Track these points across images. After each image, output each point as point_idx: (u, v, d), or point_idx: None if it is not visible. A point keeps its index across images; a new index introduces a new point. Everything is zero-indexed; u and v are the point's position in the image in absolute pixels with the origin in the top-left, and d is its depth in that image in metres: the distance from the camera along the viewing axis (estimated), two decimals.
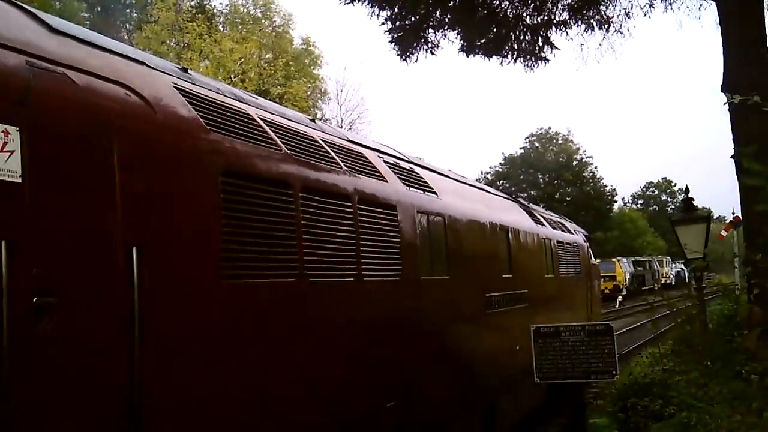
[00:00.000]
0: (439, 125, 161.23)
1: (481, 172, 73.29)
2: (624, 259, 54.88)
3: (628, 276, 53.82)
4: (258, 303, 4.68)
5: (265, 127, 5.44)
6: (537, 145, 75.58)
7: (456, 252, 8.45)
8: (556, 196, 68.69)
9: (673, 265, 70.51)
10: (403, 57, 13.90)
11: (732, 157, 7.39)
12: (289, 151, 5.45)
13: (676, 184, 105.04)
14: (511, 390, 8.32)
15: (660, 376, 10.03)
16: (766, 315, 4.05)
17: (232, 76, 44.09)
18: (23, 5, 3.98)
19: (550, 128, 77.04)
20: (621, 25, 13.47)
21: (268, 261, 4.83)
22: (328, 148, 6.31)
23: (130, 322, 3.55)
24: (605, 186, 74.63)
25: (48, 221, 3.23)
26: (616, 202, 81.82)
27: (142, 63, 4.57)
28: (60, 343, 3.17)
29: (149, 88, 4.27)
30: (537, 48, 13.79)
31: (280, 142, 5.43)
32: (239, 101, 5.57)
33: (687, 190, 12.93)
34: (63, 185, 3.34)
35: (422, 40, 13.68)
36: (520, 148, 75.34)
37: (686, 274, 57.17)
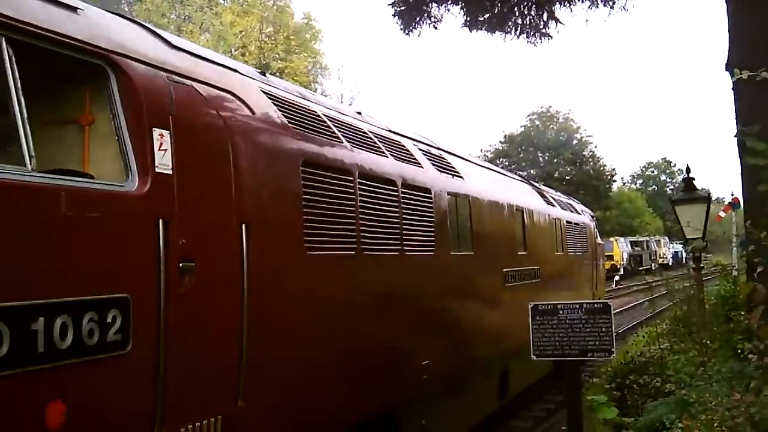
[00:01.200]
0: (441, 102, 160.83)
1: (481, 150, 73.20)
2: (622, 239, 55.03)
3: (625, 256, 53.99)
4: (328, 271, 5.77)
5: (328, 122, 6.41)
6: (537, 123, 75.44)
7: (479, 230, 9.41)
8: (556, 175, 68.62)
9: (671, 246, 70.67)
10: (406, 31, 13.78)
11: (735, 136, 7.33)
12: (347, 143, 6.45)
13: (675, 164, 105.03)
14: (522, 357, 8.74)
15: (657, 355, 10.06)
16: None
17: (232, 50, 43.84)
18: (151, 27, 5.00)
19: (550, 107, 76.94)
20: (626, 2, 13.33)
21: (335, 237, 5.87)
22: (375, 139, 7.33)
23: (241, 280, 4.58)
24: (605, 165, 74.60)
25: (188, 204, 4.16)
26: (615, 181, 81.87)
27: (236, 71, 5.57)
28: (196, 298, 4.18)
29: (247, 93, 5.29)
30: (541, 23, 13.66)
31: (340, 135, 6.42)
32: (305, 99, 6.53)
33: (688, 170, 12.86)
34: (197, 175, 4.30)
35: (425, 14, 13.56)
36: (521, 127, 75.22)
37: (683, 255, 57.37)
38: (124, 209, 3.81)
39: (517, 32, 13.76)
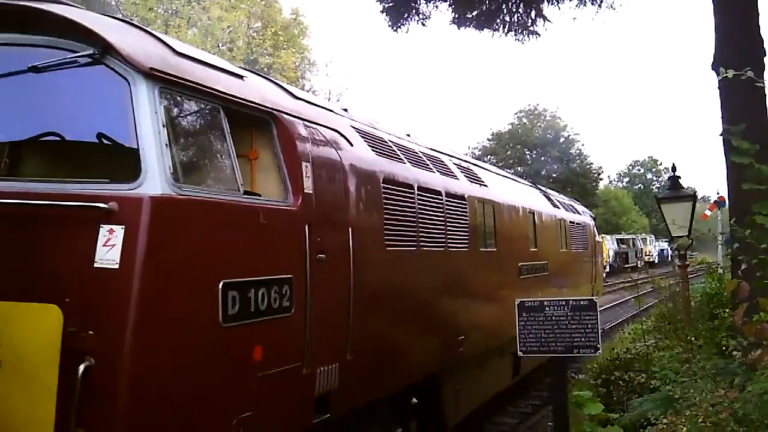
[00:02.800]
0: (429, 99, 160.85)
1: (469, 147, 73.24)
2: (608, 237, 55.21)
3: (611, 253, 54.20)
4: (398, 262, 7.30)
5: (393, 146, 8.06)
6: (525, 121, 75.55)
7: (501, 230, 10.95)
8: (543, 173, 68.76)
9: (657, 244, 71.03)
10: (394, 27, 13.81)
11: (721, 134, 7.40)
12: (408, 163, 8.10)
13: (661, 163, 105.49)
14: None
15: (643, 352, 10.12)
16: (753, 290, 4.06)
17: (220, 45, 43.71)
18: (283, 84, 6.70)
19: (538, 105, 77.06)
20: (613, 1, 13.41)
21: (403, 237, 7.40)
22: (425, 158, 8.92)
23: (349, 268, 6.07)
24: (591, 163, 74.82)
25: (321, 214, 5.66)
26: (602, 179, 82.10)
27: (331, 111, 7.20)
28: (324, 280, 5.61)
29: (345, 129, 6.90)
30: (529, 21, 13.71)
31: (403, 157, 8.06)
32: (375, 128, 8.11)
33: (674, 168, 12.94)
34: (324, 194, 5.80)
35: (413, 11, 13.59)
36: (509, 124, 75.33)
37: (669, 253, 57.65)
38: (288, 218, 5.35)
39: (505, 30, 13.82)
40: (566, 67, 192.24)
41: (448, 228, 8.75)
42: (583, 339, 8.06)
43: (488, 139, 74.26)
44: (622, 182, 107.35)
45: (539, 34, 14.03)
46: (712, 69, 8.82)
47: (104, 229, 3.98)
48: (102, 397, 3.82)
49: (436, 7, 13.69)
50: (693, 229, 12.24)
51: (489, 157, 69.11)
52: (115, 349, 3.89)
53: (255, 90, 5.68)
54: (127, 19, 5.49)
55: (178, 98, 4.72)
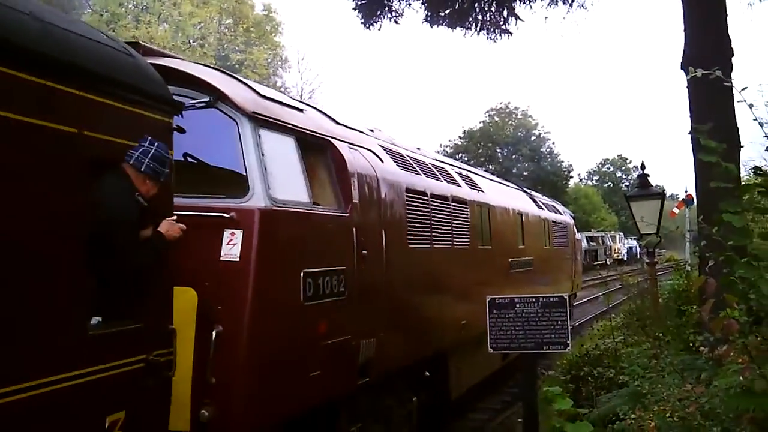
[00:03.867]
0: (401, 96, 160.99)
1: (440, 145, 73.45)
2: (578, 234, 55.55)
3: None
4: (417, 257, 8.76)
5: (410, 160, 9.60)
6: (496, 119, 75.90)
7: (494, 230, 12.46)
8: (514, 171, 69.14)
9: (626, 241, 71.66)
10: (367, 24, 13.79)
11: (689, 133, 7.48)
12: (422, 174, 9.68)
13: (630, 161, 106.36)
14: None
15: (612, 348, 10.21)
16: (720, 287, 4.11)
17: (191, 41, 43.37)
18: (329, 113, 8.18)
19: (509, 103, 77.46)
20: (584, 0, 13.50)
21: (421, 236, 8.94)
22: (434, 169, 10.48)
23: (383, 261, 7.57)
24: (562, 162, 75.41)
25: (363, 219, 7.15)
26: (572, 177, 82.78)
27: (363, 133, 8.76)
28: (366, 272, 7.08)
29: (375, 148, 8.46)
30: (501, 20, 13.76)
31: (418, 168, 9.64)
32: (395, 145, 9.70)
33: (643, 167, 13.08)
34: (365, 202, 7.29)
35: (386, 8, 13.58)
36: (480, 122, 75.62)
37: (638, 250, 58.26)
38: (342, 223, 6.80)
39: (478, 28, 13.85)
40: (537, 66, 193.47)
41: (454, 228, 10.33)
42: (553, 336, 8.13)
43: (460, 137, 74.56)
44: (592, 180, 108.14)
45: (511, 33, 14.10)
46: (681, 68, 8.92)
47: (227, 232, 5.46)
48: (227, 353, 5.24)
49: (409, 4, 13.70)
50: (661, 227, 12.39)
51: (460, 154, 69.32)
52: (237, 319, 5.35)
53: (313, 121, 7.32)
54: (225, 70, 6.93)
55: (268, 133, 6.08)
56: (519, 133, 74.03)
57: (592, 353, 10.30)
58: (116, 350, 4.19)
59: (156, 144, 4.42)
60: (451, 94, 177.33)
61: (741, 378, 4.21)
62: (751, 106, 4.37)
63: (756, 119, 4.30)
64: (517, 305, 8.27)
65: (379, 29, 13.89)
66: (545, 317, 8.16)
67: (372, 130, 9.41)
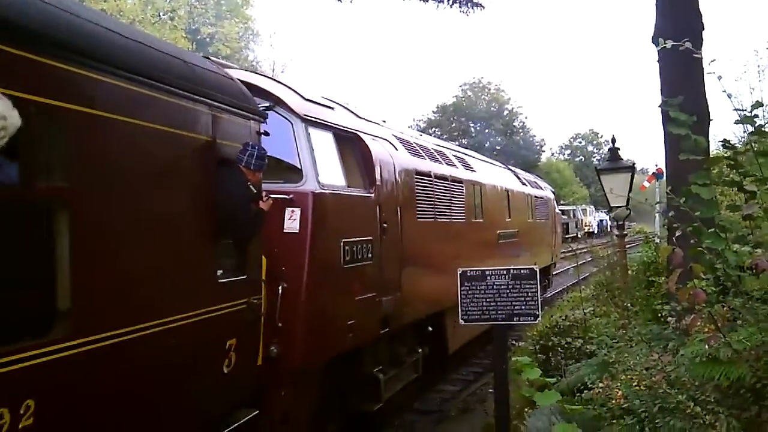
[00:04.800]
0: (374, 71, 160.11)
1: (414, 119, 73.35)
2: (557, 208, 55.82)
3: None
4: (424, 229, 10.35)
5: (416, 146, 11.30)
6: (470, 94, 75.88)
7: (485, 206, 14.10)
8: (487, 145, 69.28)
9: (596, 215, 72.26)
10: None
11: (659, 106, 7.51)
12: (427, 158, 11.32)
13: (602, 135, 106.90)
14: None
15: (581, 319, 10.33)
16: (687, 258, 4.16)
17: (161, 14, 42.67)
18: (354, 111, 10.02)
19: (482, 78, 77.46)
20: None
21: (426, 212, 10.48)
22: (435, 153, 12.13)
23: (399, 232, 9.08)
24: (534, 136, 75.76)
25: (383, 197, 8.65)
26: (544, 152, 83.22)
27: (378, 124, 10.47)
28: (387, 242, 8.56)
29: (390, 138, 10.06)
30: None
31: (423, 153, 11.30)
32: (403, 133, 11.64)
33: (614, 140, 13.14)
34: (385, 183, 8.82)
35: None
36: (453, 97, 75.58)
37: (608, 223, 58.75)
38: (369, 202, 8.38)
39: (450, 1, 13.79)
40: (510, 41, 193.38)
41: (452, 204, 11.93)
42: (523, 307, 8.16)
43: (433, 112, 74.50)
44: (564, 154, 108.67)
45: (483, 6, 14.07)
46: (652, 42, 8.94)
47: (288, 210, 6.94)
48: (290, 304, 6.74)
49: None
50: (631, 200, 12.49)
51: (433, 129, 69.31)
52: (297, 278, 6.86)
53: (343, 117, 9.00)
54: (276, 79, 8.81)
55: (314, 130, 7.67)
56: (492, 108, 74.15)
57: (561, 324, 10.40)
58: (232, 294, 5.77)
59: (257, 147, 6.05)
60: (425, 69, 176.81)
61: (707, 347, 4.28)
62: (720, 78, 4.41)
63: (724, 91, 4.34)
64: (488, 277, 8.29)
65: (351, 2, 13.79)
66: (516, 289, 8.19)
67: (384, 122, 11.32)
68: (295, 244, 6.95)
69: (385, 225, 8.66)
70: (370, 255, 8.22)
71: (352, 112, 9.81)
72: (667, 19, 8.98)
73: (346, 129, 8.57)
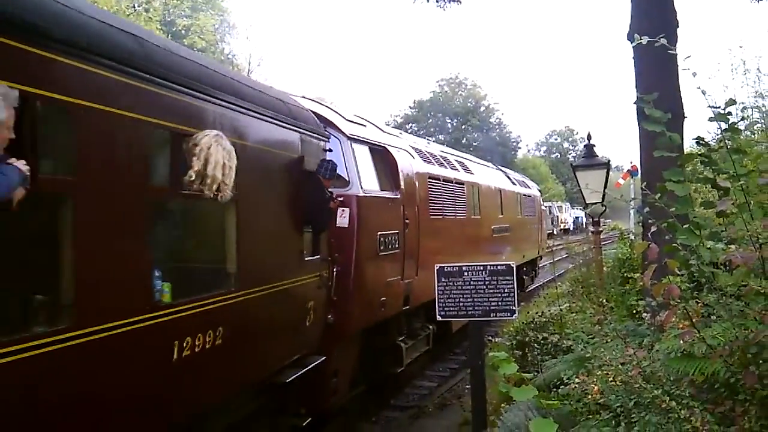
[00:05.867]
0: (352, 66, 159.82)
1: (390, 115, 73.34)
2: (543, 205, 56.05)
3: None
4: (435, 224, 12.14)
5: (427, 153, 13.24)
6: (446, 89, 75.99)
7: (482, 203, 16.21)
8: (463, 141, 69.52)
9: (572, 211, 72.65)
10: None
11: (635, 103, 7.55)
12: (435, 163, 13.20)
13: (578, 132, 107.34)
14: None
15: (557, 315, 10.39)
16: (662, 253, 4.19)
17: (135, 5, 42.25)
18: (379, 125, 12.35)
19: (459, 74, 77.56)
20: None
21: (437, 210, 12.39)
22: (441, 158, 14.20)
23: (417, 227, 11.06)
24: (510, 132, 76.05)
25: (407, 198, 10.71)
26: (520, 148, 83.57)
27: (398, 136, 12.65)
28: (409, 235, 10.62)
29: (407, 148, 11.87)
30: None
31: (432, 159, 13.23)
32: (417, 144, 13.57)
33: (589, 137, 13.23)
34: (408, 187, 10.87)
35: None
36: (430, 92, 75.63)
37: (584, 220, 59.10)
38: (396, 202, 10.14)
39: None
40: (486, 36, 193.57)
41: (456, 203, 13.98)
42: (500, 303, 8.19)
43: (410, 107, 74.50)
44: (540, 151, 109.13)
45: (460, 1, 14.07)
46: (628, 39, 9.00)
47: (340, 209, 8.66)
48: (341, 283, 8.67)
49: None
50: (606, 197, 12.57)
51: (410, 125, 69.34)
52: (347, 263, 8.81)
53: (373, 133, 11.06)
54: (325, 103, 10.81)
55: (356, 145, 9.69)
56: (469, 104, 74.34)
57: (538, 320, 10.46)
58: (311, 269, 7.96)
59: (330, 161, 8.20)
60: (402, 63, 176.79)
61: (681, 342, 4.32)
62: (694, 74, 4.44)
63: (699, 87, 4.38)
64: (465, 273, 8.30)
65: None
66: (493, 285, 8.22)
67: (401, 134, 13.82)
68: (345, 237, 8.81)
69: (407, 221, 10.67)
70: (396, 245, 10.23)
71: (377, 127, 12.01)
72: (642, 16, 9.04)
73: (377, 143, 10.56)
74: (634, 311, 7.82)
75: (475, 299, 8.24)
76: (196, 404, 5.75)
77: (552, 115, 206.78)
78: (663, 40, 4.55)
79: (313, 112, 8.86)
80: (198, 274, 6.12)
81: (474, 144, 69.68)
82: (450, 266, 8.54)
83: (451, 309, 8.32)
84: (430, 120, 72.97)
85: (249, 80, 7.96)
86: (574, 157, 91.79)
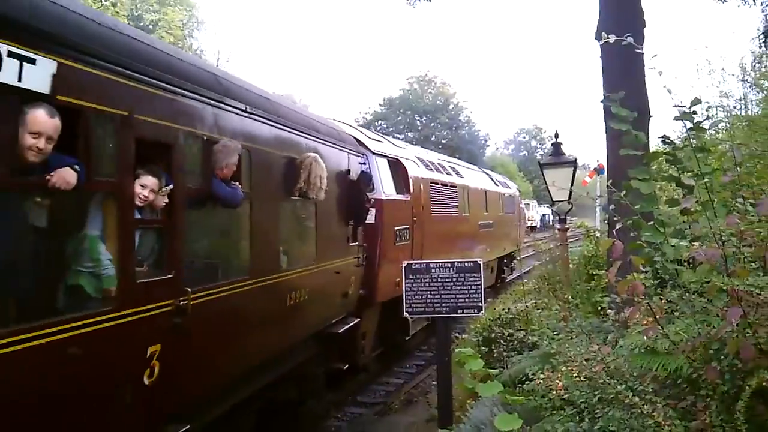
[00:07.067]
0: (321, 64, 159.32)
1: (360, 113, 73.21)
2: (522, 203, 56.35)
3: None
4: (434, 221, 15.12)
5: (428, 162, 16.14)
6: (416, 87, 76.02)
7: (470, 203, 18.92)
8: (433, 138, 69.60)
9: (539, 209, 73.17)
10: None
11: (601, 101, 7.62)
12: (435, 170, 16.14)
13: (545, 131, 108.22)
14: (485, 268, 18.62)
15: (523, 311, 10.43)
16: (626, 251, 4.22)
17: (103, 0, 41.65)
18: (390, 139, 16.69)
19: (428, 71, 77.65)
20: None
21: (436, 209, 15.31)
22: (439, 166, 17.07)
23: (423, 224, 14.22)
24: (479, 130, 76.28)
25: (415, 200, 13.94)
26: (488, 146, 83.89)
27: (404, 148, 16.40)
28: (417, 229, 13.77)
29: (413, 158, 15.11)
30: None
31: (432, 168, 16.12)
32: (420, 154, 16.80)
33: (557, 135, 13.34)
34: (416, 192, 14.02)
35: None
36: (400, 90, 75.62)
37: (551, 218, 59.59)
38: (407, 203, 13.36)
39: None
40: (456, 35, 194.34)
41: (450, 203, 16.68)
42: (467, 300, 8.22)
43: (380, 105, 74.42)
44: (508, 149, 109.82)
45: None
46: (595, 38, 9.08)
47: (371, 210, 11.14)
48: (369, 266, 11.53)
49: None
50: (573, 195, 12.67)
51: (379, 122, 69.29)
52: (373, 250, 11.65)
53: (389, 147, 14.14)
54: (353, 125, 14.15)
55: (379, 158, 12.46)
56: (438, 102, 74.46)
57: (504, 317, 10.50)
58: (353, 252, 10.65)
59: (367, 173, 11.25)
60: (372, 61, 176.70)
61: (645, 338, 4.34)
62: (660, 73, 4.48)
63: (665, 86, 4.41)
64: (433, 270, 8.32)
65: None
66: (460, 282, 8.24)
67: (406, 146, 17.07)
68: (372, 230, 11.65)
69: (415, 218, 13.56)
70: (407, 237, 13.21)
71: (390, 141, 15.75)
72: (609, 15, 9.13)
73: (392, 156, 13.58)
74: (599, 308, 7.87)
75: (443, 296, 8.26)
76: (295, 336, 8.64)
77: (520, 114, 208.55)
78: (630, 39, 4.58)
79: (351, 135, 11.64)
80: (296, 252, 8.70)
81: (443, 142, 69.82)
82: (417, 263, 8.56)
83: (418, 305, 8.33)
84: (400, 117, 72.96)
85: (322, 118, 10.67)
86: (541, 155, 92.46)
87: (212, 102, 6.28)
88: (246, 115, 7.01)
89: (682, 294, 4.18)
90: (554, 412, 5.04)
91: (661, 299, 4.32)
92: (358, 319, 10.95)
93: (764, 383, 3.36)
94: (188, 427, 5.66)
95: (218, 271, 6.77)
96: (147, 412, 5.22)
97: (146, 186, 5.26)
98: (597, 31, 9.07)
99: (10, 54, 3.81)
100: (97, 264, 4.75)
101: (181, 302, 5.55)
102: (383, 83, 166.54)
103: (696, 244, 4.27)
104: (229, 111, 6.64)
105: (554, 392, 5.12)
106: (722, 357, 3.71)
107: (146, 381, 5.13)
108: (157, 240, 5.57)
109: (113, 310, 4.72)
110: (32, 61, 3.97)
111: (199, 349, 5.98)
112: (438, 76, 77.72)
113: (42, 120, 4.13)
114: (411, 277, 8.30)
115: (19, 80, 3.88)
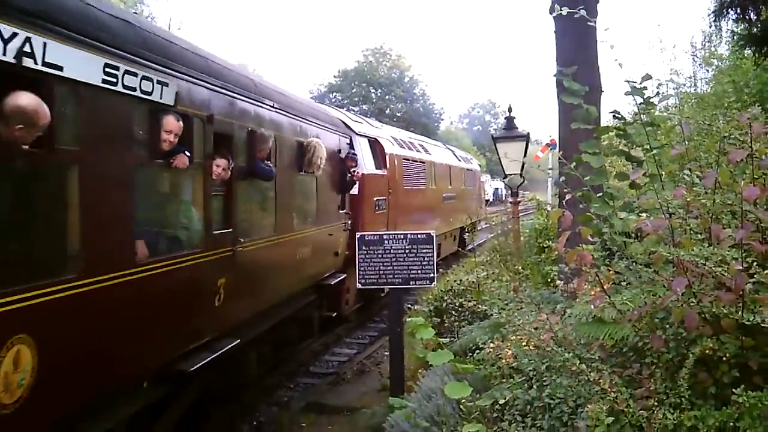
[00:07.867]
0: (275, 34, 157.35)
1: (314, 84, 72.65)
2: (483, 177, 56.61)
3: None
4: (407, 193, 17.17)
5: (401, 140, 18.27)
6: (371, 59, 75.57)
7: (436, 177, 20.69)
8: (387, 111, 69.38)
9: (492, 183, 73.65)
10: None
11: (554, 75, 7.67)
12: (407, 147, 18.29)
13: (499, 105, 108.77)
14: (446, 237, 21.60)
15: (475, 282, 10.54)
16: (576, 222, 4.29)
17: None
18: (367, 119, 18.89)
19: (384, 44, 77.24)
20: None
21: (407, 182, 17.32)
22: (410, 143, 19.21)
23: (397, 195, 16.11)
24: (434, 104, 76.24)
25: (392, 175, 15.92)
26: (443, 120, 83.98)
27: (380, 128, 18.05)
28: (392, 200, 15.68)
29: (388, 137, 17.02)
30: None
31: (404, 146, 18.14)
32: (393, 133, 18.71)
33: (510, 110, 13.40)
34: (393, 168, 16.15)
35: None
36: (355, 62, 75.14)
37: (503, 192, 60.10)
38: (384, 178, 15.28)
39: None
40: (412, 7, 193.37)
41: (420, 177, 18.57)
42: (419, 271, 8.29)
43: (334, 76, 73.88)
44: (463, 123, 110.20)
45: None
46: (549, 12, 9.12)
47: (356, 183, 13.05)
48: (354, 230, 12.38)
49: None
50: (525, 170, 12.78)
51: (334, 94, 68.84)
52: (358, 215, 13.49)
53: (368, 128, 16.04)
54: (344, 111, 16.74)
55: (361, 138, 14.37)
56: (393, 74, 74.12)
57: (456, 288, 10.60)
58: (341, 219, 12.52)
59: (352, 151, 13.06)
60: (327, 32, 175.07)
61: (592, 308, 4.44)
62: (612, 47, 4.53)
63: (616, 60, 4.46)
64: (386, 241, 8.36)
65: None
66: (413, 253, 8.30)
67: (381, 126, 18.78)
68: (356, 201, 13.42)
69: (390, 190, 15.36)
70: (384, 207, 15.02)
71: (369, 122, 17.48)
72: None
73: (372, 136, 15.42)
74: (549, 279, 7.99)
75: (395, 267, 8.32)
76: (302, 282, 10.58)
77: (475, 88, 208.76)
78: (583, 12, 4.62)
79: (338, 119, 13.86)
80: (303, 217, 10.38)
81: (397, 115, 69.67)
82: (371, 235, 8.60)
83: (371, 277, 8.38)
84: (354, 90, 72.49)
85: (320, 106, 13.64)
86: (495, 129, 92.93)
87: (252, 101, 8.24)
88: (273, 109, 9.01)
89: (629, 265, 4.27)
90: (503, 380, 5.13)
91: (609, 270, 4.40)
92: (345, 275, 12.52)
93: (707, 351, 3.46)
94: (238, 341, 7.54)
95: (256, 228, 8.51)
96: (216, 328, 7.25)
97: (219, 165, 7.17)
98: (551, 5, 9.12)
99: (158, 82, 5.82)
100: (190, 221, 6.70)
101: (237, 248, 7.56)
102: (338, 54, 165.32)
103: (644, 215, 4.36)
104: (263, 107, 8.64)
105: (504, 361, 5.21)
106: (667, 326, 3.81)
107: (216, 303, 7.13)
108: (222, 204, 7.47)
109: (202, 251, 6.79)
110: (167, 84, 5.96)
111: (245, 284, 7.95)
112: (393, 48, 77.53)
113: (172, 122, 6.04)
114: (364, 248, 8.34)
115: (160, 98, 5.87)
